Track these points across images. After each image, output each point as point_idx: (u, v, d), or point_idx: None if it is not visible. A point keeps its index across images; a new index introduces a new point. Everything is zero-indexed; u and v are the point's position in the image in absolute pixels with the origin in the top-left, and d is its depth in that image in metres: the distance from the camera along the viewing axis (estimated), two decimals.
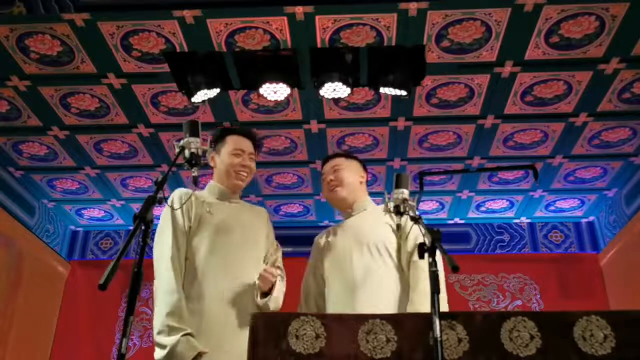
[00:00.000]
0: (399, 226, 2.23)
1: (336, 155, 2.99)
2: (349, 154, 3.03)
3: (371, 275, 2.56)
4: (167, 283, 2.37)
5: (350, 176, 2.86)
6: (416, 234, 2.56)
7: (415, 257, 2.51)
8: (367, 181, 2.99)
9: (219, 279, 2.45)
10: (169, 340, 2.26)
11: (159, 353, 2.30)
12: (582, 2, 3.53)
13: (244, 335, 2.36)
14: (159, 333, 2.31)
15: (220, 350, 2.34)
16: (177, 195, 2.57)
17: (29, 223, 5.72)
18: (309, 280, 2.85)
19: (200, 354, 2.26)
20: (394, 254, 2.61)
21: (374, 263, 2.59)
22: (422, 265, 2.46)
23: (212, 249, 2.50)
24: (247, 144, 2.73)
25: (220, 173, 2.70)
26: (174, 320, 2.29)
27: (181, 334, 2.26)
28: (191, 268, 2.48)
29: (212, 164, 2.74)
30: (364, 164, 3.03)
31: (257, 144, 2.80)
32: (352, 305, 2.50)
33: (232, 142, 2.71)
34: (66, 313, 6.09)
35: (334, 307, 2.60)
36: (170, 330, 2.27)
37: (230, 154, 2.68)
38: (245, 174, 2.70)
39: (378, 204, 2.97)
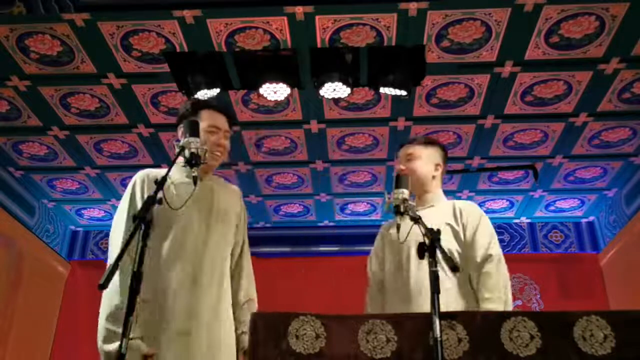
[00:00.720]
0: (398, 226, 2.20)
1: (414, 140, 2.77)
2: (428, 140, 2.78)
3: (426, 278, 2.47)
4: (112, 281, 2.03)
5: (423, 166, 2.66)
6: (483, 243, 2.47)
7: (486, 268, 2.43)
8: (443, 172, 2.74)
9: (185, 267, 2.27)
10: (112, 347, 2.08)
11: None
12: (582, 2, 3.53)
13: (209, 324, 2.25)
14: (103, 341, 2.13)
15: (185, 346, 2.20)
16: (140, 178, 2.38)
17: (29, 223, 5.72)
18: (376, 273, 2.69)
19: (149, 356, 2.10)
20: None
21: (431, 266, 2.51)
22: (493, 276, 2.40)
23: (176, 235, 2.30)
24: (222, 121, 2.52)
25: None
26: (116, 324, 2.09)
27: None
28: (152, 256, 2.25)
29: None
30: (445, 151, 2.77)
31: (232, 121, 2.61)
32: (409, 307, 2.41)
33: (207, 117, 2.48)
34: (66, 313, 6.10)
35: (391, 307, 2.51)
36: (113, 336, 2.09)
37: (205, 131, 2.43)
38: (219, 154, 2.49)
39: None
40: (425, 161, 2.69)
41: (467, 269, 2.49)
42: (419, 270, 2.46)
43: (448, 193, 2.79)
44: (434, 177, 2.69)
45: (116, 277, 2.14)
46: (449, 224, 2.54)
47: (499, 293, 2.39)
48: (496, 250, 2.50)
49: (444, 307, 2.24)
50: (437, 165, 2.71)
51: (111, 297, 2.18)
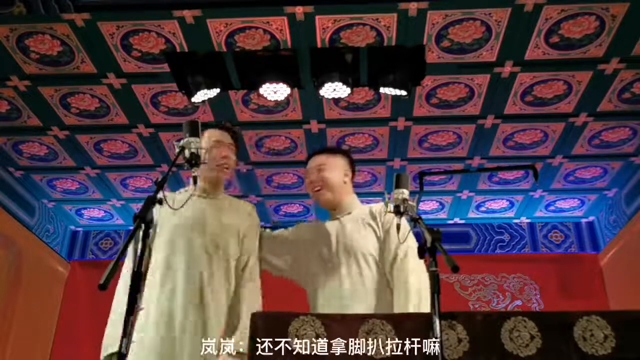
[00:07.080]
0: (398, 226, 2.21)
1: (322, 151, 2.88)
2: (335, 150, 2.92)
3: (358, 283, 2.50)
4: (119, 303, 2.16)
5: (335, 176, 2.75)
6: (395, 242, 2.51)
7: (396, 265, 2.49)
8: (352, 179, 2.86)
9: (177, 283, 2.33)
10: None
11: None
12: (582, 2, 3.53)
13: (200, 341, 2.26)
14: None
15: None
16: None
17: (29, 223, 5.72)
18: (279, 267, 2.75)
19: None
20: (378, 260, 2.56)
21: (360, 271, 2.53)
22: (401, 272, 2.45)
23: (171, 249, 2.37)
24: (225, 135, 2.66)
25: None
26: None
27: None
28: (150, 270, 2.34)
29: None
30: (351, 158, 2.89)
31: (235, 136, 2.71)
32: (339, 311, 2.41)
33: (208, 133, 2.62)
34: (66, 313, 6.10)
35: (321, 310, 2.54)
36: None
37: (211, 147, 2.55)
38: (226, 166, 2.60)
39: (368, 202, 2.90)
40: (336, 169, 2.78)
41: (382, 266, 2.54)
42: (346, 276, 2.52)
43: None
44: (345, 182, 2.79)
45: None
46: (371, 228, 2.62)
47: (403, 292, 2.43)
48: (406, 245, 2.48)
49: (369, 298, 2.41)
50: (346, 172, 2.80)
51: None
